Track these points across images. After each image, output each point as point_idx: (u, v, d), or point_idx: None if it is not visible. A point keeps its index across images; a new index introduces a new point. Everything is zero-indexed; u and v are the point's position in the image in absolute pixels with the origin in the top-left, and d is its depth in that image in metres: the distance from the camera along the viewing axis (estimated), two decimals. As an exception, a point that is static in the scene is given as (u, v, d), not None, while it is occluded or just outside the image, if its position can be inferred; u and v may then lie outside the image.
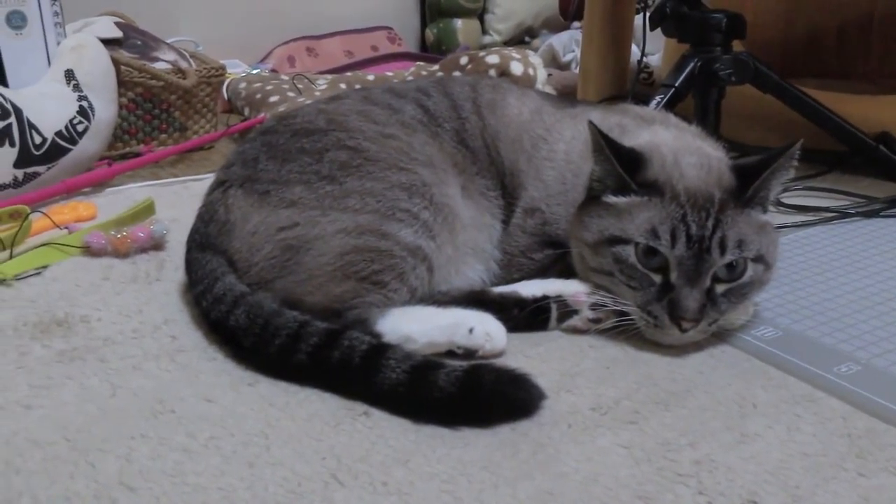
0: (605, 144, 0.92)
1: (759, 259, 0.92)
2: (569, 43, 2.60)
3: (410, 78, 2.14)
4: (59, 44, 1.63)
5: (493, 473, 0.73)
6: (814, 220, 1.37)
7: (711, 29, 1.58)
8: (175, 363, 0.92)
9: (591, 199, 0.97)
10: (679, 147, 0.99)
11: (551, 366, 0.91)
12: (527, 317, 0.97)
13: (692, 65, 1.57)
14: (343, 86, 2.13)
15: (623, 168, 0.92)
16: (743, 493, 0.71)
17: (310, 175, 0.99)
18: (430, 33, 3.04)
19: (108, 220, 1.33)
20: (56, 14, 1.63)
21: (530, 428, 0.80)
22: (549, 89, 2.05)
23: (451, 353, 0.90)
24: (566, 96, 2.03)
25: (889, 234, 1.31)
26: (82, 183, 1.55)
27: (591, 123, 0.93)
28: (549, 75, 2.17)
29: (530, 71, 2.02)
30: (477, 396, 0.80)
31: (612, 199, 0.94)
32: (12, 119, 1.45)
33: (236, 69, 2.45)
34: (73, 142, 1.56)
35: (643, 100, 1.60)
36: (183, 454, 0.75)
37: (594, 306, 0.97)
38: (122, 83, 1.75)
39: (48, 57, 1.62)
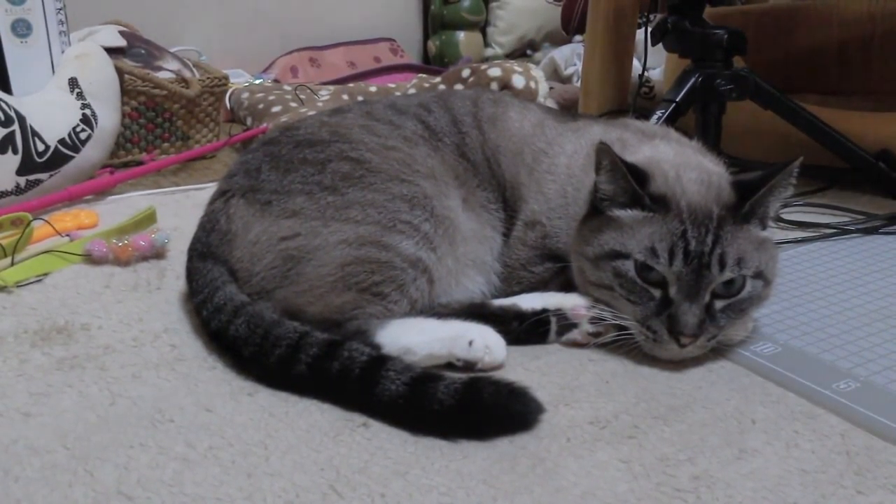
0: (621, 163, 0.92)
1: (758, 275, 0.92)
2: (570, 56, 2.61)
3: (412, 90, 2.14)
4: (63, 52, 1.64)
5: (492, 487, 0.73)
6: (813, 236, 1.38)
7: (713, 45, 1.59)
8: (175, 372, 0.92)
9: (592, 213, 0.98)
10: (680, 162, 0.99)
11: (550, 379, 0.91)
12: (526, 330, 0.97)
13: (693, 80, 1.57)
14: (345, 96, 2.14)
15: (626, 185, 0.92)
16: (741, 509, 0.71)
17: (312, 186, 0.99)
18: (433, 45, 3.05)
19: (110, 228, 1.33)
20: (61, 23, 1.64)
21: (529, 441, 0.80)
22: (550, 103, 2.06)
23: (450, 366, 0.90)
24: (567, 110, 2.04)
25: (888, 251, 1.31)
26: (84, 191, 1.56)
27: (603, 143, 0.93)
28: (551, 88, 2.18)
29: (532, 84, 2.03)
30: (476, 409, 0.80)
31: (617, 212, 0.94)
32: (15, 126, 1.46)
33: (239, 79, 2.46)
34: (76, 150, 1.56)
35: (644, 114, 1.61)
36: (182, 463, 0.75)
37: (594, 320, 0.97)
38: (126, 92, 1.76)
39: (52, 65, 1.63)
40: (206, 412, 0.84)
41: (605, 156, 0.93)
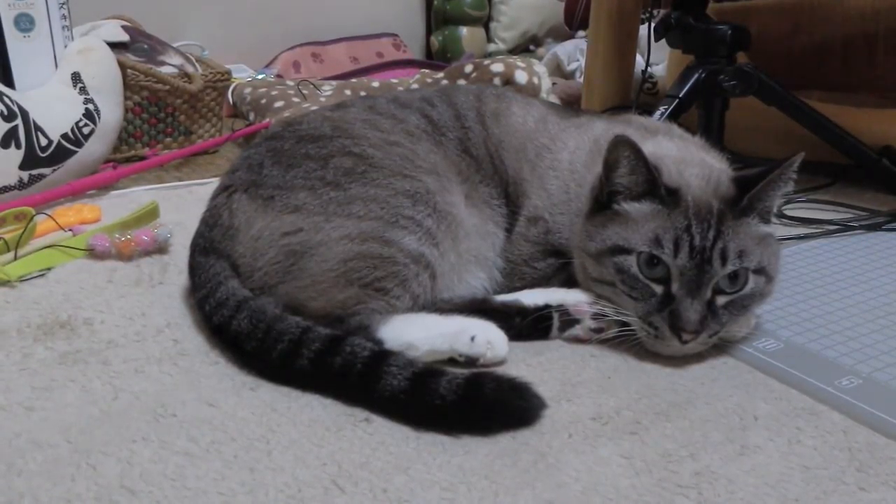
0: (643, 152, 0.92)
1: (760, 271, 0.92)
2: (573, 52, 2.61)
3: (415, 85, 2.14)
4: (66, 47, 1.64)
5: (494, 482, 0.73)
6: (816, 232, 1.37)
7: (716, 40, 1.59)
8: (177, 367, 0.92)
9: (595, 209, 0.97)
10: (683, 158, 0.99)
11: (552, 375, 0.91)
12: (528, 325, 0.98)
13: (696, 76, 1.57)
14: (348, 92, 2.13)
15: (647, 176, 0.92)
16: (743, 506, 0.71)
17: (314, 181, 0.99)
18: (435, 41, 3.05)
19: (113, 222, 1.33)
20: (64, 17, 1.64)
21: (531, 437, 0.80)
22: (553, 99, 2.05)
23: (452, 361, 0.90)
24: (570, 106, 2.04)
25: (891, 248, 1.31)
26: (87, 185, 1.56)
27: (621, 135, 0.92)
28: (554, 84, 2.18)
29: (535, 80, 2.03)
30: (478, 405, 0.80)
31: (625, 206, 0.94)
32: (18, 121, 1.46)
33: (242, 74, 2.46)
34: (79, 144, 1.56)
35: (647, 110, 1.61)
36: (184, 458, 0.75)
37: (596, 316, 0.97)
38: (128, 87, 1.76)
39: (55, 60, 1.63)
40: (209, 407, 0.84)
41: (624, 147, 0.92)
